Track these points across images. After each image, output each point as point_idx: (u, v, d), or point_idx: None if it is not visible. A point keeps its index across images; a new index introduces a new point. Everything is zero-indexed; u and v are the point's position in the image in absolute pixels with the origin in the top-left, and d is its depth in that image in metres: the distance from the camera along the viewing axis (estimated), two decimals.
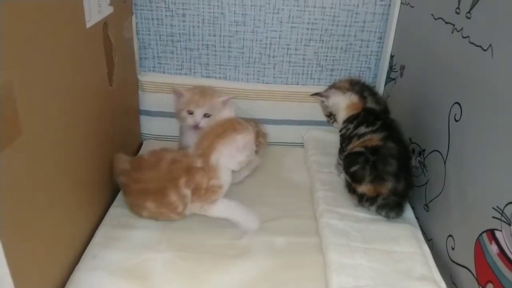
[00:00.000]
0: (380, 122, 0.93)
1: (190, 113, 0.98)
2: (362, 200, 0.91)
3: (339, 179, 1.03)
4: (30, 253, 0.62)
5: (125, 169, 0.89)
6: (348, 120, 0.97)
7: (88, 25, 0.76)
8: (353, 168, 0.92)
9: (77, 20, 0.73)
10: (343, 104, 0.97)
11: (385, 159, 0.88)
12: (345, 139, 0.98)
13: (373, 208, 0.90)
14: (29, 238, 0.62)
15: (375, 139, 0.91)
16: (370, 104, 0.96)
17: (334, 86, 1.01)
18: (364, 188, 0.90)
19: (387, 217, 0.90)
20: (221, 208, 0.86)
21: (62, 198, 0.71)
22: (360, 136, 0.94)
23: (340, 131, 1.00)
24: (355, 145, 0.94)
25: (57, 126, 0.68)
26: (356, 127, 0.95)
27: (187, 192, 0.83)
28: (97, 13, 0.80)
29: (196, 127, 0.98)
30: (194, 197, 0.84)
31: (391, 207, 0.89)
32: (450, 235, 0.79)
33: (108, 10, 0.86)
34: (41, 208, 0.65)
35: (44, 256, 0.67)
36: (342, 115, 0.98)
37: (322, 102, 1.01)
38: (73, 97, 0.73)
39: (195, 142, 0.88)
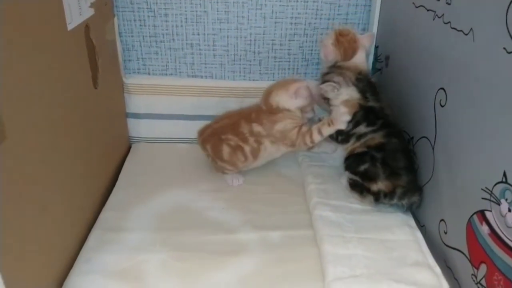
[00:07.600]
0: (381, 121, 0.90)
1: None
2: (379, 197, 0.89)
3: (331, 171, 1.03)
4: (22, 259, 0.61)
5: None
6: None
7: (70, 27, 0.76)
8: (363, 167, 0.90)
9: (58, 22, 0.72)
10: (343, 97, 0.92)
11: (393, 155, 0.88)
12: (342, 133, 0.93)
13: (394, 200, 0.88)
14: (20, 244, 0.61)
15: (377, 137, 0.90)
16: (371, 102, 0.92)
17: (342, 75, 0.92)
18: (380, 185, 0.88)
19: (410, 204, 0.88)
20: None
21: (50, 203, 0.70)
22: (359, 136, 0.91)
23: None
24: (355, 147, 0.92)
25: (42, 130, 0.67)
26: (355, 126, 0.91)
27: None
28: (78, 15, 0.79)
29: None
30: None
31: (412, 191, 0.87)
32: (442, 220, 0.80)
33: (89, 12, 0.85)
34: (30, 213, 0.64)
35: (36, 262, 0.66)
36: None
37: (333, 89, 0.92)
38: (58, 100, 0.72)
39: None
